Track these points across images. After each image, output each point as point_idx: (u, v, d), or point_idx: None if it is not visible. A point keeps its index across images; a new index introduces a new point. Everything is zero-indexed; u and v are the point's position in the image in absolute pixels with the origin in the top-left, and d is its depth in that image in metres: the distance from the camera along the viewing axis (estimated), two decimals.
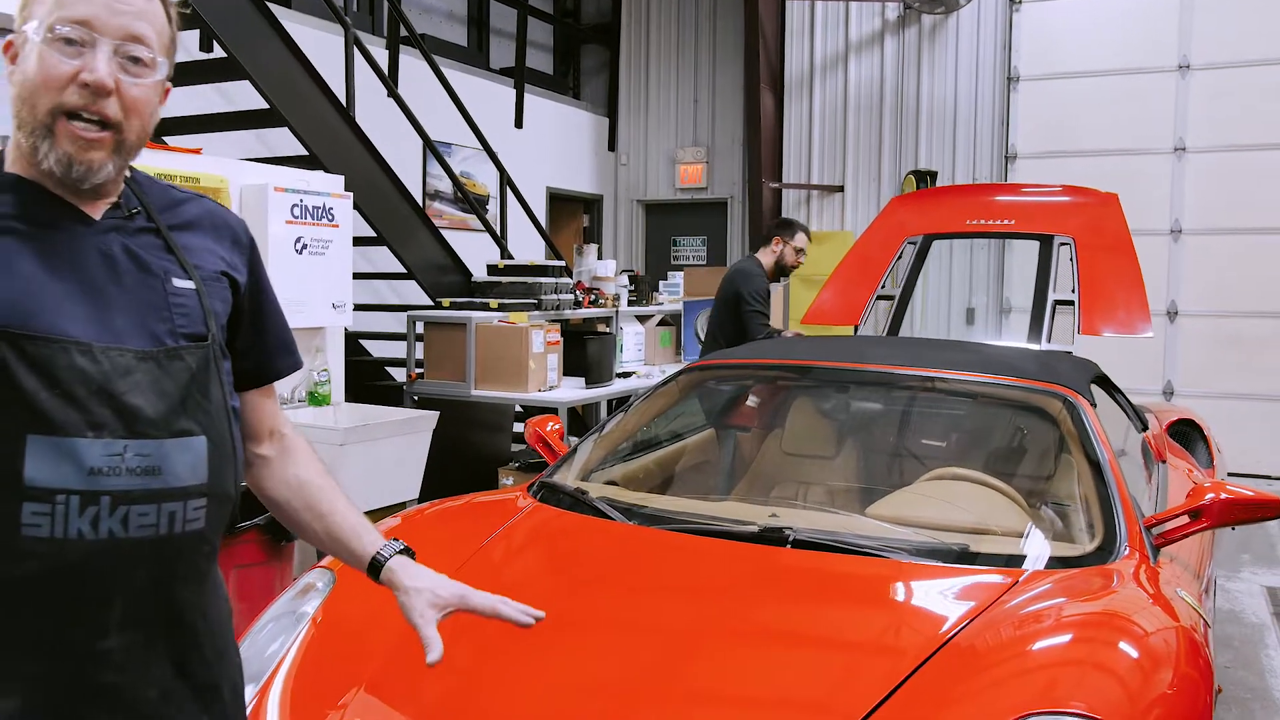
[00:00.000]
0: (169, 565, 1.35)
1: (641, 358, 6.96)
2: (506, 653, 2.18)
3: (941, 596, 2.34)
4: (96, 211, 1.39)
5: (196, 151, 4.34)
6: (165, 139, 5.19)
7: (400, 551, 1.60)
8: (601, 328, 7.07)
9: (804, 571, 2.46)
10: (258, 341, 1.58)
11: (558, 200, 10.66)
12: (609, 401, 8.02)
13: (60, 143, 1.31)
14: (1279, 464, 8.16)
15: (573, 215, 11.24)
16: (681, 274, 8.10)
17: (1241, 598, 5.37)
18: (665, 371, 6.74)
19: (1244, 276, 8.69)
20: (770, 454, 3.48)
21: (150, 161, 4.27)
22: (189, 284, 1.43)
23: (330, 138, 5.48)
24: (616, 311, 6.92)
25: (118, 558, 1.29)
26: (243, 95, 5.89)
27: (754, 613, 2.33)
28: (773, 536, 2.56)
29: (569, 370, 5.97)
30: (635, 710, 2.01)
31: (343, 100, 5.75)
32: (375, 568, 1.58)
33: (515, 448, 7.02)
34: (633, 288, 7.50)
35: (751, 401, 3.74)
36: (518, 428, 7.17)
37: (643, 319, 7.40)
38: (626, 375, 6.37)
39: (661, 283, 8.43)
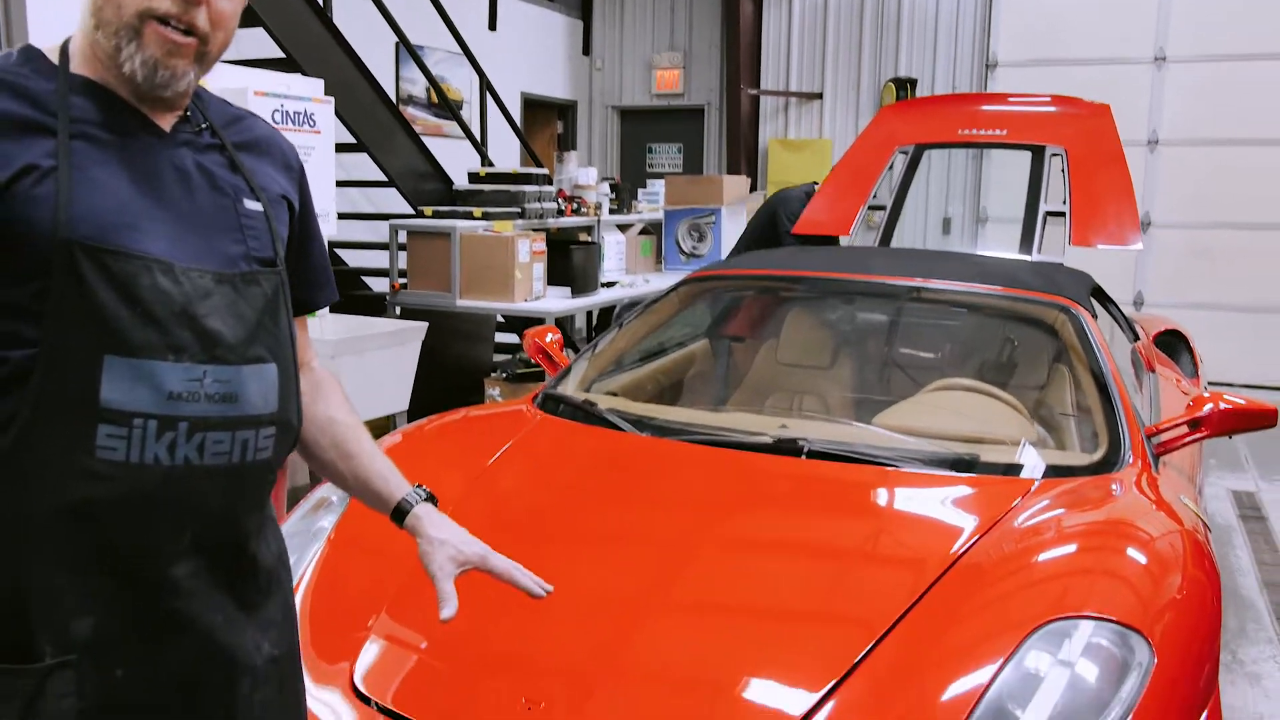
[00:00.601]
0: (238, 494, 1.33)
1: (623, 267, 6.92)
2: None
3: (957, 507, 2.38)
4: (166, 124, 1.33)
5: None
6: None
7: (426, 499, 1.57)
8: (584, 237, 7.02)
9: (822, 482, 2.48)
10: (302, 271, 1.53)
11: (531, 106, 10.47)
12: (588, 313, 8.03)
13: (147, 45, 1.25)
14: (1246, 373, 8.30)
15: (546, 121, 11.06)
16: (662, 182, 8.03)
17: (1210, 501, 5.52)
18: (648, 281, 6.75)
19: (1218, 188, 8.74)
20: (769, 364, 3.49)
21: None
22: (258, 206, 1.39)
23: (308, 40, 5.33)
24: (598, 220, 6.86)
25: (191, 485, 1.27)
26: None
27: (777, 524, 2.37)
28: (787, 447, 2.58)
29: (552, 280, 5.93)
30: (669, 622, 2.05)
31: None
32: (400, 514, 1.55)
33: (497, 358, 7.01)
34: (613, 196, 7.44)
35: (753, 312, 3.74)
36: (499, 337, 7.15)
37: (623, 228, 7.35)
38: (610, 285, 6.34)
39: (641, 191, 8.37)
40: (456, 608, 1.50)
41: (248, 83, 4.30)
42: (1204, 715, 1.84)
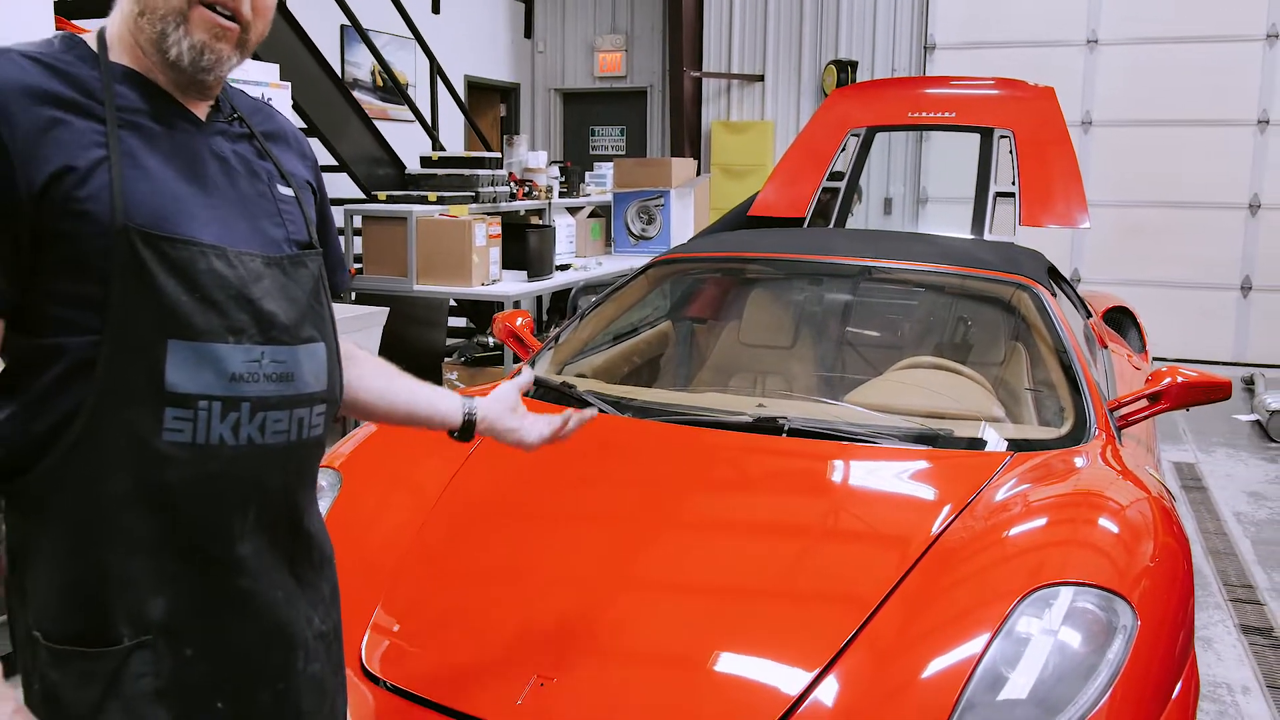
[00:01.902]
0: (295, 471, 1.37)
1: (573, 250, 6.95)
2: (535, 552, 2.24)
3: (935, 482, 2.46)
4: (201, 112, 1.35)
5: None
6: (74, 21, 4.91)
7: (474, 409, 1.71)
8: (535, 220, 7.02)
9: (803, 459, 2.55)
10: (324, 255, 1.56)
11: (475, 89, 10.41)
12: (538, 298, 8.04)
13: (194, 30, 1.26)
14: (1176, 347, 8.57)
15: (489, 104, 11.00)
16: (609, 165, 8.06)
17: None
18: (600, 264, 6.78)
19: (1149, 168, 9.00)
20: (738, 345, 3.55)
21: None
22: (289, 191, 1.42)
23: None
24: (549, 204, 6.87)
25: (254, 464, 1.30)
26: None
27: (764, 503, 2.43)
28: (767, 426, 2.64)
29: (506, 264, 5.93)
30: (671, 599, 2.10)
31: None
32: (469, 427, 1.71)
33: (450, 341, 7.00)
34: (563, 179, 7.44)
35: (723, 293, 3.79)
36: (452, 321, 7.14)
37: (573, 211, 7.37)
38: (564, 268, 6.36)
39: (588, 174, 8.38)
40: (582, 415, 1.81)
41: None
42: (1182, 675, 1.94)
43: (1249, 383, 7.63)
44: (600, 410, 2.80)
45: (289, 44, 5.46)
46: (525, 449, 1.78)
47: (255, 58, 5.02)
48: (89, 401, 1.21)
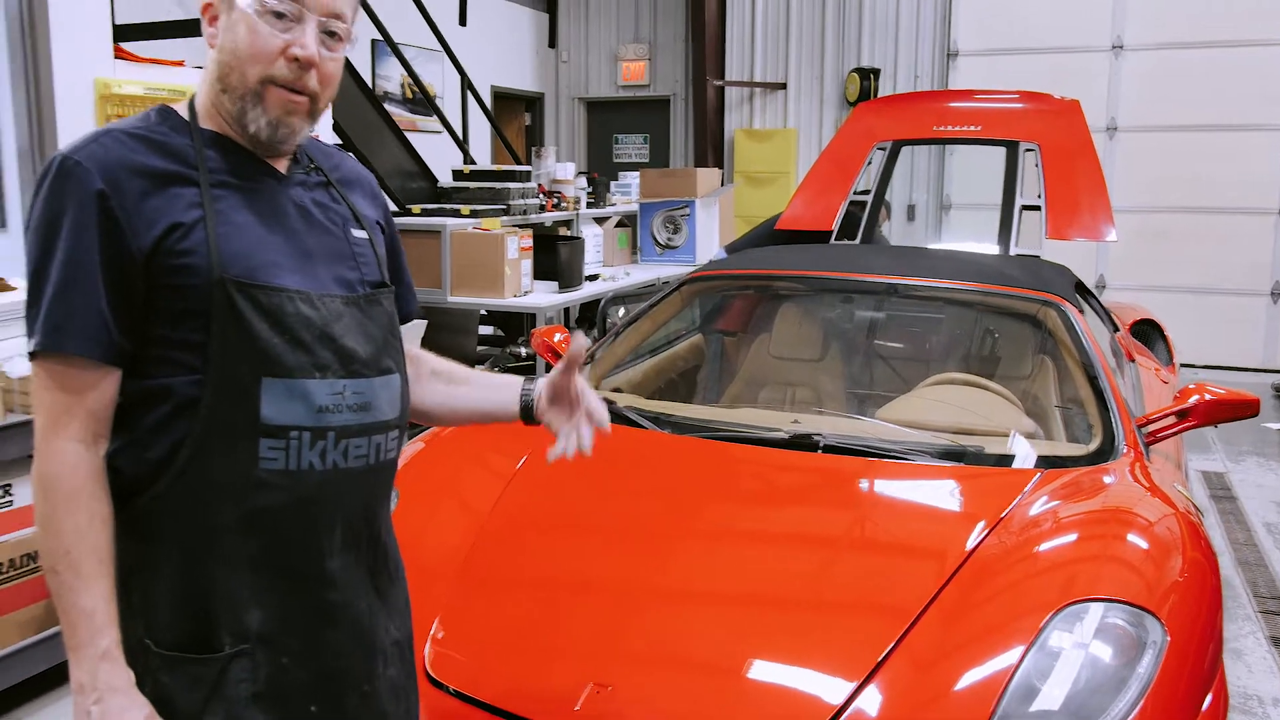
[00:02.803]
0: (373, 491, 1.50)
1: (600, 259, 7.04)
2: (586, 563, 2.33)
3: (968, 498, 2.53)
4: (282, 167, 1.48)
5: (179, 64, 4.25)
6: (122, 44, 5.04)
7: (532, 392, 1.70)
8: (564, 231, 7.12)
9: (839, 475, 2.63)
10: (396, 286, 1.67)
11: (500, 99, 10.53)
12: (565, 309, 8.13)
13: (270, 109, 1.39)
14: (1204, 353, 8.58)
15: (514, 113, 11.12)
16: (635, 175, 8.14)
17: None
18: (628, 274, 6.86)
19: (1174, 173, 9.01)
20: (773, 362, 3.63)
21: (137, 75, 4.20)
22: (363, 234, 1.54)
23: None
24: (577, 214, 6.96)
25: (340, 486, 1.43)
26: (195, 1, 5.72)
27: (802, 517, 2.51)
28: (803, 442, 2.72)
29: (536, 274, 6.03)
30: (721, 611, 2.18)
31: None
32: (528, 410, 1.69)
33: (479, 349, 7.11)
34: (590, 189, 7.53)
35: (757, 310, 3.87)
36: (481, 329, 7.25)
37: (600, 221, 7.46)
38: (593, 278, 6.45)
39: (613, 183, 8.47)
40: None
41: None
42: (1212, 688, 2.01)
43: (1279, 390, 7.64)
44: (640, 426, 2.90)
45: None
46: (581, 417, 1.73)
47: None
48: (193, 434, 1.35)
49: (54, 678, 3.45)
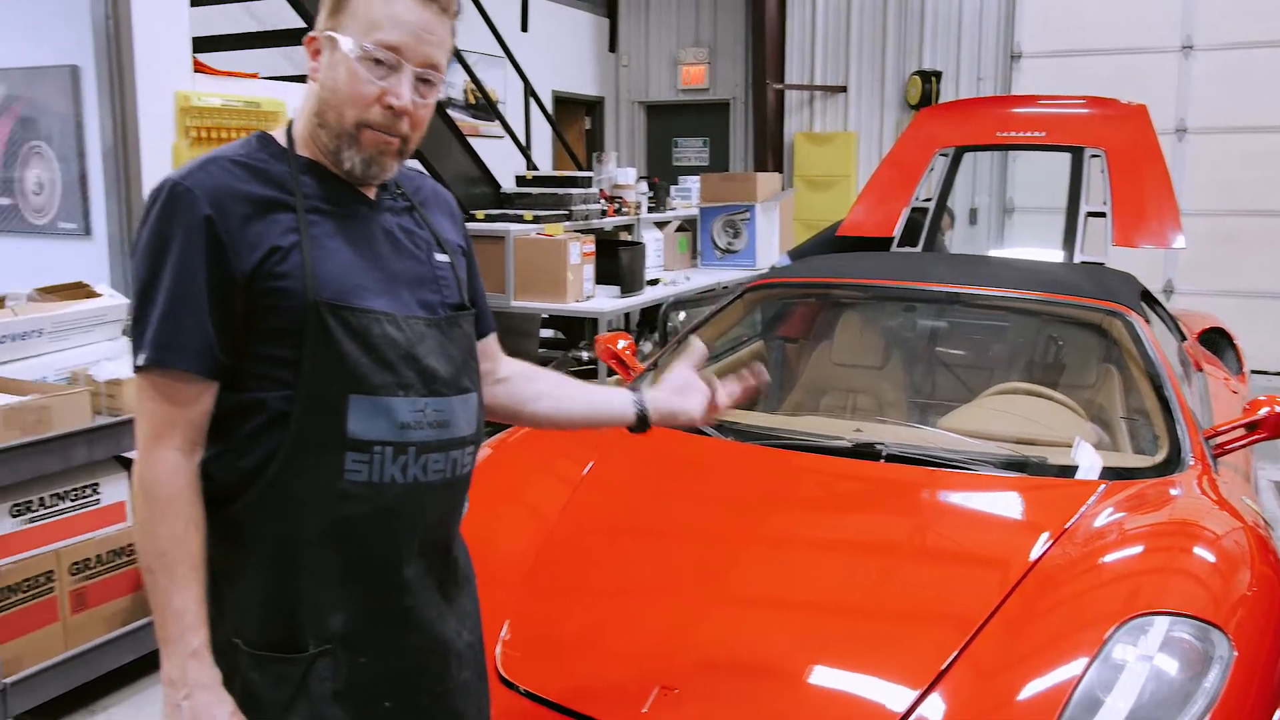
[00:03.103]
0: (449, 504, 1.58)
1: (661, 264, 7.10)
2: (652, 568, 2.39)
3: (1032, 509, 2.55)
4: (371, 194, 1.56)
5: (254, 76, 4.39)
6: (206, 56, 5.20)
7: (643, 400, 1.84)
8: (624, 235, 7.18)
9: (902, 484, 2.66)
10: (474, 305, 1.74)
11: (560, 103, 10.63)
12: (627, 313, 8.19)
13: (364, 148, 1.48)
14: (1274, 359, 8.42)
15: (574, 117, 11.22)
16: (694, 179, 8.18)
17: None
18: (688, 278, 6.92)
19: (1244, 175, 8.84)
20: (836, 371, 3.66)
21: (214, 87, 4.33)
22: (445, 258, 1.62)
23: None
24: (638, 219, 7.03)
25: (418, 498, 1.51)
26: (268, 12, 5.87)
27: (866, 525, 2.54)
28: (866, 451, 2.76)
29: (597, 279, 6.11)
30: (785, 616, 2.23)
31: None
32: (643, 420, 1.83)
33: (540, 351, 7.20)
34: (651, 194, 7.59)
35: (818, 318, 3.90)
36: (543, 333, 7.34)
37: (660, 225, 7.52)
38: (654, 283, 6.51)
39: (673, 188, 8.52)
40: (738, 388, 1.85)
41: None
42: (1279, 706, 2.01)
43: None
44: (705, 433, 2.95)
45: None
46: (701, 424, 1.89)
47: None
48: (284, 446, 1.43)
49: (138, 670, 3.58)
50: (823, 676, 2.04)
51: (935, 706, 1.93)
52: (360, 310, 1.45)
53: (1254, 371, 8.48)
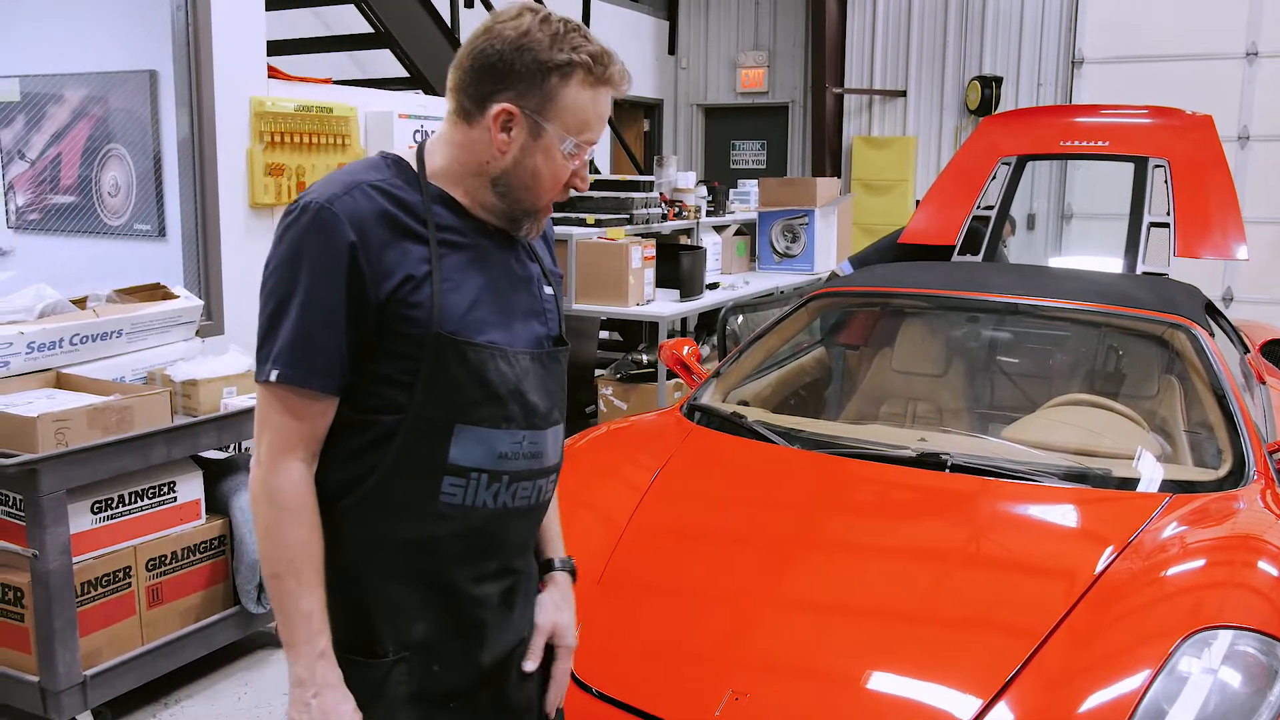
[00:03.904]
0: (530, 529, 1.67)
1: (719, 267, 7.14)
2: (724, 574, 2.44)
3: (1096, 521, 2.57)
4: (491, 229, 1.60)
5: (327, 81, 4.49)
6: (278, 59, 5.33)
7: (567, 570, 1.82)
8: (684, 239, 7.23)
9: (967, 495, 2.69)
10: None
11: (619, 105, 10.69)
12: (684, 317, 8.24)
13: (540, 220, 1.58)
14: None
15: (633, 119, 11.29)
16: (752, 183, 8.20)
17: None
18: (747, 282, 6.95)
19: None
20: (898, 379, 3.69)
21: (286, 93, 4.45)
22: (551, 291, 1.68)
23: (437, 58, 5.59)
24: (698, 223, 7.07)
25: (505, 522, 1.59)
26: (335, 18, 5.99)
27: (933, 535, 2.57)
28: (931, 461, 2.79)
29: (658, 282, 6.16)
30: (853, 624, 2.28)
31: (446, 20, 5.84)
32: (548, 567, 1.80)
33: (598, 353, 7.28)
34: (710, 198, 7.63)
35: (875, 325, 3.94)
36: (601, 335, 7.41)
37: (719, 229, 7.55)
38: (714, 286, 6.55)
39: (732, 191, 8.54)
40: (536, 665, 1.73)
41: (392, 107, 4.58)
42: None
43: None
44: (770, 441, 3.00)
45: None
46: (537, 612, 1.77)
47: (431, 93, 5.36)
48: (385, 464, 1.50)
49: (209, 665, 3.70)
50: (891, 684, 2.08)
51: (1002, 715, 1.97)
52: (478, 345, 1.50)
53: None
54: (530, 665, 1.71)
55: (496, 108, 1.48)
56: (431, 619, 1.56)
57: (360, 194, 1.47)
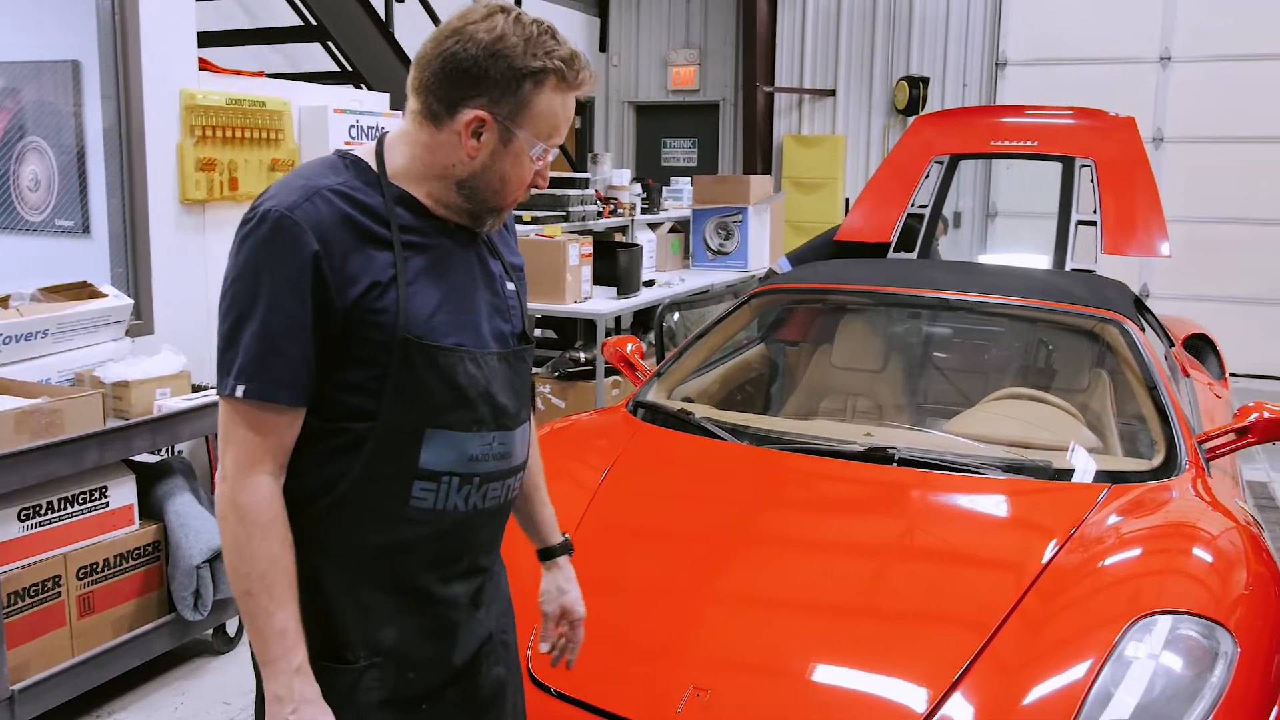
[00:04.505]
0: (499, 527, 1.66)
1: (654, 265, 7.15)
2: (677, 571, 2.45)
3: (1039, 512, 2.63)
4: (453, 227, 1.57)
5: (259, 74, 4.40)
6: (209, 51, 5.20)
7: (567, 553, 1.91)
8: (618, 237, 7.23)
9: (915, 488, 2.73)
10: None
11: None
12: (618, 316, 8.24)
13: (500, 218, 1.57)
14: (1248, 363, 8.58)
15: None
16: (686, 180, 8.24)
17: None
18: (683, 280, 6.97)
19: (1221, 184, 9.02)
20: (838, 375, 3.73)
21: (217, 85, 4.35)
22: (513, 287, 1.65)
23: (372, 54, 5.51)
24: (632, 220, 7.08)
25: (475, 524, 1.57)
26: (264, 10, 5.88)
27: (883, 529, 2.61)
28: (878, 455, 2.83)
29: (594, 280, 6.14)
30: (812, 620, 2.30)
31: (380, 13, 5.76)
32: (548, 554, 1.89)
33: (535, 351, 7.25)
34: (644, 195, 7.64)
35: (819, 322, 3.98)
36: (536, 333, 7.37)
37: (653, 226, 7.57)
38: (649, 284, 6.56)
39: (665, 189, 8.57)
40: (549, 648, 1.89)
41: (327, 102, 4.51)
42: (1278, 700, 2.09)
43: None
44: (718, 437, 3.01)
45: (397, 73, 5.71)
46: (543, 601, 1.91)
47: (368, 88, 5.29)
48: (354, 471, 1.47)
49: (144, 675, 3.60)
50: (852, 677, 2.10)
51: (957, 705, 2.00)
52: (445, 348, 1.48)
53: (1232, 375, 8.64)
54: (545, 647, 1.85)
55: (469, 114, 1.45)
56: (402, 623, 1.54)
57: (321, 200, 1.43)
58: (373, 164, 1.51)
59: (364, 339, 1.44)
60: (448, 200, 1.51)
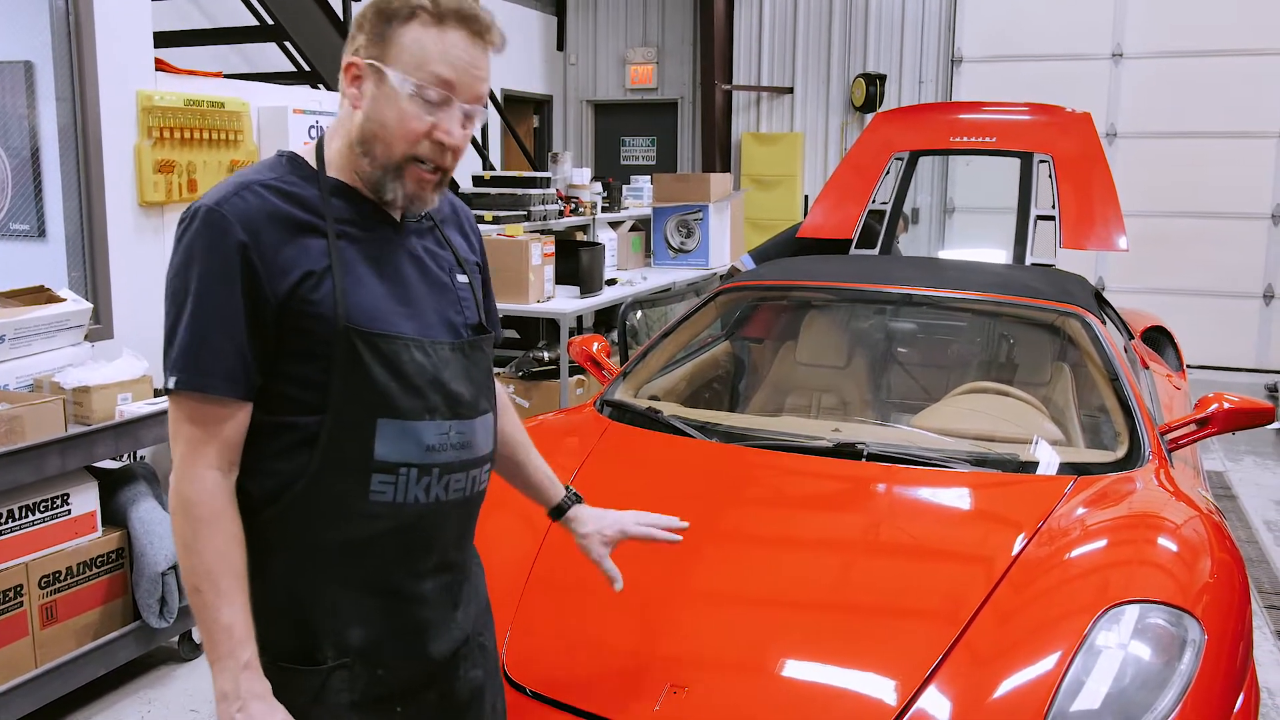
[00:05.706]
0: (467, 520, 1.64)
1: (615, 263, 7.16)
2: (651, 570, 2.43)
3: (1008, 505, 2.66)
4: (398, 216, 1.58)
5: (217, 75, 4.35)
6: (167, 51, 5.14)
7: (576, 501, 1.97)
8: (579, 235, 7.23)
9: (884, 483, 2.75)
10: (485, 314, 1.76)
11: (510, 101, 10.63)
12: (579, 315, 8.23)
13: (407, 182, 1.50)
14: (1200, 354, 8.72)
15: (523, 115, 11.22)
16: (646, 178, 8.25)
17: None
18: (645, 278, 6.98)
19: (1173, 179, 9.18)
20: (799, 369, 3.75)
21: (175, 86, 4.30)
22: (465, 279, 1.65)
23: (329, 53, 5.47)
24: (594, 219, 7.08)
25: (439, 516, 1.56)
26: (219, 9, 5.81)
27: (855, 524, 2.63)
28: (848, 451, 2.85)
29: (556, 279, 6.13)
30: (789, 615, 2.31)
31: (339, 13, 5.71)
32: (559, 511, 1.96)
33: (498, 352, 7.22)
34: (605, 194, 7.65)
35: (784, 319, 3.99)
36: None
37: (614, 225, 7.57)
38: (612, 283, 6.57)
39: (625, 187, 8.58)
40: (622, 581, 1.94)
41: (286, 102, 4.46)
42: (1244, 686, 2.14)
43: (1272, 390, 7.81)
44: (688, 435, 3.02)
45: None
46: (586, 552, 2.00)
47: (326, 88, 5.24)
48: (311, 466, 1.46)
49: (109, 684, 3.56)
50: (828, 672, 2.11)
51: (932, 698, 2.01)
52: (389, 336, 1.48)
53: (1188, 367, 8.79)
54: (619, 586, 1.93)
55: (345, 62, 1.50)
56: (371, 621, 1.53)
57: (250, 194, 1.45)
58: (313, 161, 1.53)
59: (304, 330, 1.44)
60: (363, 173, 1.51)
